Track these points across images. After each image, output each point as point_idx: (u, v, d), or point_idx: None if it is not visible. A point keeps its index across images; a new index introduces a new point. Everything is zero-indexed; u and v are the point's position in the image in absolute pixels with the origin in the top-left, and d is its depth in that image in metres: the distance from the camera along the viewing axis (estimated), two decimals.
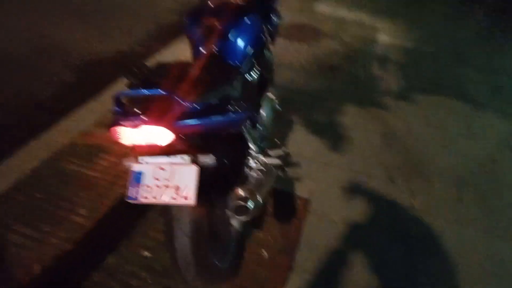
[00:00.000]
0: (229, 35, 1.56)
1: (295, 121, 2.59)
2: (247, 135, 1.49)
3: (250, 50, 1.62)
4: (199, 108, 1.07)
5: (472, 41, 4.51)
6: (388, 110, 2.88)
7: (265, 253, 1.64)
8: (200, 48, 1.52)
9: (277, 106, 1.93)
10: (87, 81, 2.85)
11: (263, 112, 1.75)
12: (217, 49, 1.51)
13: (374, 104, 2.93)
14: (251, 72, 1.67)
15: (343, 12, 4.71)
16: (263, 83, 1.82)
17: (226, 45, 1.55)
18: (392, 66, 3.61)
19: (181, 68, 1.16)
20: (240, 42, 1.59)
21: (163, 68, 1.22)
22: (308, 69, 3.35)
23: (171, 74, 1.10)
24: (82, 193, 1.75)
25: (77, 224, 1.60)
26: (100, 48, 3.34)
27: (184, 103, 1.01)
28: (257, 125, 1.67)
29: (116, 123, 0.99)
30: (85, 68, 3.04)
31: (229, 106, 1.25)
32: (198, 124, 1.08)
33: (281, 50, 3.56)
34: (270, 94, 1.88)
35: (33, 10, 3.70)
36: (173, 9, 4.30)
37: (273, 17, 1.98)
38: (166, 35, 3.62)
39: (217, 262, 1.36)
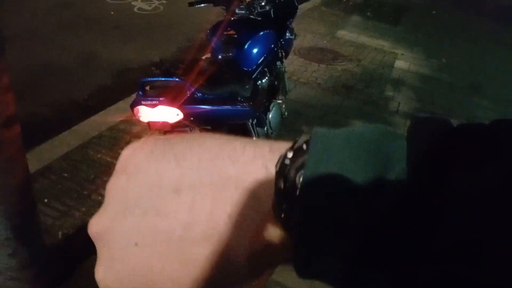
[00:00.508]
0: (245, 45, 1.78)
1: (303, 130, 2.77)
2: (252, 131, 1.68)
3: (262, 59, 1.83)
4: (208, 96, 1.27)
5: (490, 73, 4.61)
6: (396, 128, 3.01)
7: None
8: (219, 54, 1.74)
9: (285, 113, 2.12)
10: (120, 86, 3.13)
11: (270, 115, 1.94)
12: (233, 55, 1.73)
13: (383, 122, 3.08)
14: (262, 79, 1.88)
15: (364, 39, 4.92)
16: (273, 90, 2.02)
17: (241, 53, 1.77)
18: (406, 90, 3.76)
19: (200, 64, 1.37)
20: (254, 52, 1.80)
21: (184, 63, 1.44)
22: (324, 87, 3.54)
23: (189, 68, 1.32)
24: (106, 177, 1.97)
25: (98, 202, 1.81)
26: (134, 59, 3.64)
27: (195, 91, 1.21)
28: (264, 126, 1.86)
29: (138, 103, 1.19)
30: (120, 75, 3.33)
31: (236, 101, 1.45)
32: (206, 109, 1.28)
33: (300, 68, 3.78)
34: (279, 101, 2.08)
35: (84, 31, 4.07)
36: (203, 29, 4.61)
37: (287, 34, 2.20)
38: (195, 50, 3.91)
39: None
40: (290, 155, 0.21)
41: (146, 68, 3.47)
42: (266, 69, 1.92)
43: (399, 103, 3.47)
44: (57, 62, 3.38)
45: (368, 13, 5.93)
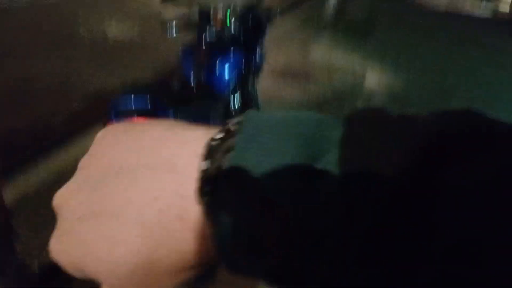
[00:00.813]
0: (216, 69, 1.84)
1: None
2: None
3: (233, 82, 1.90)
4: (181, 119, 1.32)
5: (457, 88, 4.81)
6: None
7: None
8: (190, 77, 1.80)
9: None
10: (94, 108, 3.14)
11: None
12: (204, 79, 1.79)
13: None
14: (235, 101, 1.93)
15: (335, 59, 5.07)
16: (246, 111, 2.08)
17: (212, 77, 1.83)
18: (378, 104, 3.89)
19: (172, 88, 1.42)
20: (225, 75, 1.86)
21: (157, 86, 1.49)
22: (297, 106, 3.63)
23: (162, 91, 1.37)
24: None
25: None
26: (108, 84, 3.68)
27: (168, 113, 1.26)
28: None
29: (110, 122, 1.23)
30: (94, 98, 3.35)
31: (209, 123, 1.50)
32: None
33: (271, 89, 3.87)
34: None
35: (57, 55, 4.08)
36: (174, 51, 4.68)
37: (257, 56, 2.27)
38: (168, 74, 3.96)
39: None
40: (218, 136, 0.22)
41: (119, 91, 3.49)
42: (238, 91, 1.98)
43: None
44: (31, 86, 3.36)
45: (338, 32, 6.12)
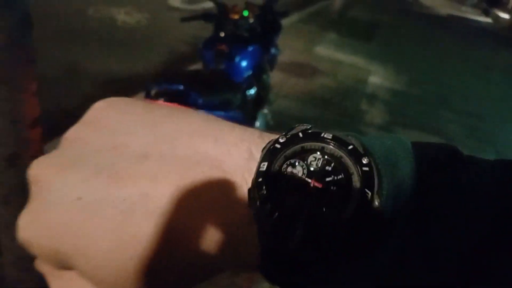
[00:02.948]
0: (235, 59, 1.94)
1: None
2: None
3: (250, 72, 2.00)
4: (205, 102, 1.43)
5: (456, 88, 4.95)
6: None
7: None
8: (211, 66, 1.90)
9: (270, 122, 2.29)
10: (106, 97, 3.23)
11: (257, 124, 2.10)
12: (224, 67, 1.89)
13: (359, 133, 3.28)
14: (250, 90, 2.04)
15: (340, 55, 5.18)
16: (259, 100, 2.18)
17: (231, 66, 1.93)
18: (379, 104, 4.01)
19: (196, 75, 1.52)
20: (243, 65, 1.97)
21: (181, 74, 1.59)
22: (303, 100, 3.74)
23: (187, 78, 1.47)
24: None
25: None
26: (119, 71, 3.75)
27: (193, 97, 1.36)
28: None
29: None
30: (105, 86, 3.43)
31: (229, 107, 1.61)
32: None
33: (280, 82, 3.97)
34: (265, 111, 2.24)
35: (68, 43, 4.14)
36: (184, 40, 4.76)
37: (272, 49, 2.38)
38: (176, 62, 4.05)
39: None
40: (282, 140, 0.20)
41: (130, 80, 3.58)
42: (253, 81, 2.09)
43: (373, 116, 3.70)
44: (43, 73, 3.45)
45: (343, 31, 6.23)
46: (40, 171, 0.22)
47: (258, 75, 2.14)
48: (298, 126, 0.21)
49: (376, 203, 0.18)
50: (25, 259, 1.31)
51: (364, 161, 0.19)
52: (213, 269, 0.21)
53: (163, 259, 0.19)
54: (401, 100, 4.21)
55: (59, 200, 0.20)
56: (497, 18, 11.66)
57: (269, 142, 0.20)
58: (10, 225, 1.21)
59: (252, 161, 0.20)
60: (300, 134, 0.20)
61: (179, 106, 0.24)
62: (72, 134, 0.23)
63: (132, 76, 3.61)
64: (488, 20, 11.93)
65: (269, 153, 0.20)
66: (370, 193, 0.18)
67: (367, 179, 0.19)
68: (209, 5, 2.34)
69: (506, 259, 0.18)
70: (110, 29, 4.72)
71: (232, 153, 0.20)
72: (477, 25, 10.60)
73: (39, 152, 1.17)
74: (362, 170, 0.19)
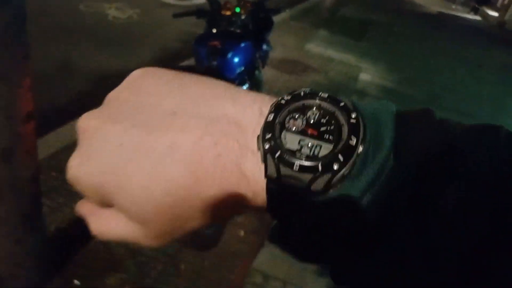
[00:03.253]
0: (228, 55, 1.95)
1: None
2: None
3: (242, 68, 2.01)
4: None
5: (447, 86, 5.00)
6: None
7: (241, 232, 1.96)
8: (204, 62, 1.91)
9: None
10: (98, 92, 3.21)
11: None
12: (217, 63, 1.90)
13: None
14: (243, 86, 2.05)
15: (331, 52, 5.21)
16: None
17: (224, 62, 1.93)
18: (370, 101, 4.04)
19: (191, 72, 1.53)
20: (235, 61, 1.98)
21: (179, 70, 1.59)
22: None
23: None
24: None
25: None
26: (111, 67, 3.73)
27: None
28: None
29: None
30: (97, 82, 3.41)
31: None
32: None
33: (272, 79, 3.98)
34: None
35: (60, 38, 4.11)
36: (176, 36, 4.74)
37: (264, 46, 2.39)
38: (169, 59, 4.04)
39: (203, 228, 1.67)
40: (287, 97, 0.24)
41: (122, 76, 3.56)
42: (246, 77, 2.10)
43: None
44: (34, 69, 3.42)
45: (335, 28, 6.25)
46: (87, 122, 0.25)
47: (250, 72, 2.16)
48: (300, 89, 0.25)
49: (360, 148, 0.22)
50: (16, 255, 1.31)
51: (353, 115, 0.23)
52: (228, 212, 0.24)
53: (187, 198, 0.23)
54: (392, 97, 4.25)
55: (104, 145, 0.24)
56: (486, 16, 11.79)
57: (276, 100, 0.24)
58: (3, 221, 1.21)
59: (262, 118, 0.23)
60: (302, 93, 0.24)
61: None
62: (114, 95, 0.27)
63: (124, 72, 3.56)
64: (478, 17, 12.05)
65: (276, 108, 0.23)
66: (355, 139, 0.22)
67: (353, 129, 0.22)
68: (201, 1, 2.34)
69: (506, 259, 0.19)
70: (101, 25, 4.69)
71: (247, 112, 0.24)
72: (468, 23, 10.71)
73: (33, 147, 1.17)
74: (350, 123, 0.23)
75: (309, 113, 0.23)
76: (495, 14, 11.57)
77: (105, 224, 0.26)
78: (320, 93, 0.24)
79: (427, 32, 7.89)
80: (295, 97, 0.24)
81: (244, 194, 0.23)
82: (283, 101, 0.23)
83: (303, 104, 0.24)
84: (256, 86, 2.23)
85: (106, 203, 0.25)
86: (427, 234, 0.20)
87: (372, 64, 5.12)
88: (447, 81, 5.27)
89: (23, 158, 1.13)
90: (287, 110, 0.23)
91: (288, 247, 0.24)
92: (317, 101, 0.24)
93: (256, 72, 2.26)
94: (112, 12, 5.15)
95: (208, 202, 0.23)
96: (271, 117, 0.23)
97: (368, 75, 4.73)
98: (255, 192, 0.23)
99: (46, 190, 1.92)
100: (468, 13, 12.34)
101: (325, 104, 0.24)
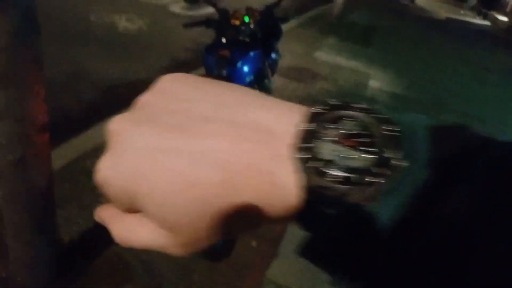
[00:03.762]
0: (237, 64, 1.96)
1: None
2: None
3: (252, 77, 2.02)
4: None
5: (453, 90, 4.97)
6: None
7: (254, 243, 1.95)
8: (213, 71, 1.92)
9: None
10: (109, 102, 3.25)
11: None
12: (226, 72, 1.90)
13: None
14: None
15: (340, 59, 5.21)
16: None
17: (233, 71, 1.94)
18: (379, 107, 4.03)
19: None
20: (245, 70, 1.98)
21: None
22: (303, 104, 3.76)
23: None
24: None
25: None
26: (121, 77, 3.77)
27: None
28: None
29: None
30: (107, 91, 3.45)
31: None
32: None
33: (281, 87, 3.99)
34: None
35: (70, 48, 4.17)
36: (185, 46, 4.78)
37: (273, 54, 2.40)
38: (178, 68, 4.07)
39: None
40: (323, 107, 0.24)
41: (132, 86, 3.60)
42: (256, 85, 2.10)
43: None
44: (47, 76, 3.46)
45: (342, 35, 6.26)
46: (119, 125, 0.25)
47: (259, 80, 2.16)
48: (336, 99, 0.25)
49: (397, 162, 0.21)
50: (29, 258, 1.32)
51: (389, 128, 0.23)
52: (259, 221, 0.24)
53: (219, 205, 0.22)
54: (400, 103, 4.23)
55: (134, 148, 0.24)
56: (495, 21, 11.71)
57: (311, 109, 0.24)
58: (17, 227, 1.22)
59: (297, 127, 0.23)
60: (338, 103, 0.24)
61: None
62: (144, 99, 0.26)
63: (134, 82, 3.63)
64: (486, 22, 11.98)
65: (311, 117, 0.23)
66: (392, 152, 0.22)
67: (390, 142, 0.22)
68: (209, 10, 2.36)
69: (506, 260, 0.19)
70: (111, 35, 4.75)
71: (281, 120, 0.24)
72: (476, 28, 10.65)
73: (47, 158, 1.18)
74: (386, 135, 0.22)
75: (345, 124, 0.23)
76: (504, 18, 11.50)
77: (130, 230, 0.25)
78: (357, 104, 0.24)
79: (435, 37, 7.86)
80: (331, 107, 0.24)
81: (276, 203, 0.23)
82: (319, 111, 0.23)
83: (340, 114, 0.24)
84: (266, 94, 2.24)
85: (133, 208, 0.24)
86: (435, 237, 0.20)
87: (380, 70, 5.11)
88: (455, 85, 5.24)
89: (37, 165, 1.15)
90: (323, 119, 0.23)
91: (317, 259, 0.24)
92: (354, 112, 0.24)
93: (266, 80, 2.27)
94: (122, 22, 5.22)
95: (240, 210, 0.22)
96: (306, 126, 0.23)
97: (377, 81, 4.72)
98: (287, 202, 0.23)
99: (58, 202, 1.94)
100: (477, 18, 12.28)
101: (361, 115, 0.24)
